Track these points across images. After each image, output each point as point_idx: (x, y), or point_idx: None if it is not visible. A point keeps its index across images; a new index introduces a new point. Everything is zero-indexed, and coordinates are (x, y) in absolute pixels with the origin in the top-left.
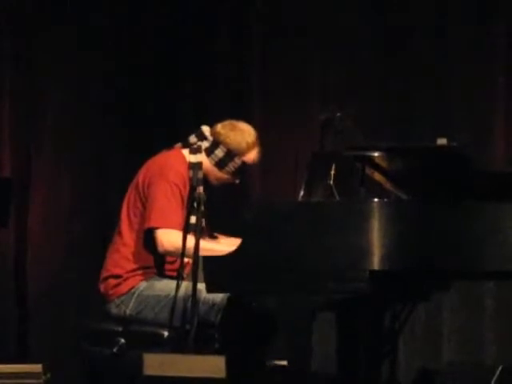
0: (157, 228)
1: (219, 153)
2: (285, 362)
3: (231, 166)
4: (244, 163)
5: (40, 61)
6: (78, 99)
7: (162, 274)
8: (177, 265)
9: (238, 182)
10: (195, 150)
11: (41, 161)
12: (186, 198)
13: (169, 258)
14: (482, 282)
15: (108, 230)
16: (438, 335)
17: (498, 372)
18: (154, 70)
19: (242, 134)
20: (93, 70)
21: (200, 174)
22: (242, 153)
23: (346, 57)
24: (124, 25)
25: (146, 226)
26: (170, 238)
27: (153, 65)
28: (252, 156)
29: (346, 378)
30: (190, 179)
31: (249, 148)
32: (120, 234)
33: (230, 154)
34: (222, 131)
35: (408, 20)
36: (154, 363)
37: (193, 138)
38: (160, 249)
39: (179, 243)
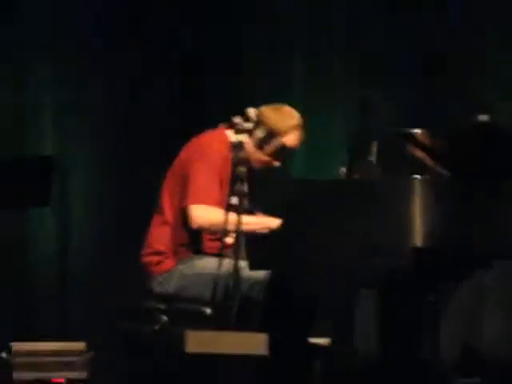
0: (189, 205)
1: (260, 133)
2: (327, 340)
3: (270, 147)
4: (284, 145)
5: None
6: None
7: (200, 252)
8: (218, 242)
9: (278, 165)
10: (238, 131)
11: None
12: (225, 178)
13: (210, 236)
14: None
15: (148, 207)
16: (480, 312)
17: None
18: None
19: (283, 115)
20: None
21: (241, 154)
22: (281, 134)
23: None
24: None
25: (185, 204)
26: (201, 213)
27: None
28: (292, 138)
29: (387, 355)
30: (232, 159)
31: (289, 129)
32: (161, 211)
33: (270, 135)
34: (265, 112)
35: None
36: (197, 340)
37: (237, 119)
38: (193, 224)
39: (212, 218)
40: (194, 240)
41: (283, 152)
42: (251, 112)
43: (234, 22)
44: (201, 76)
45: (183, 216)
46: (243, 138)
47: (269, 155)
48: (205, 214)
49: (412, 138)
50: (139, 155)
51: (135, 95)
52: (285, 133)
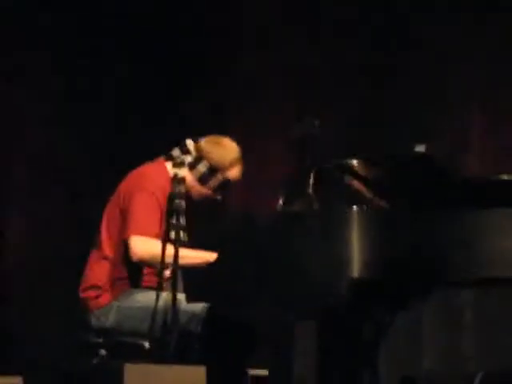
0: (129, 237)
1: (202, 168)
2: (265, 372)
3: (214, 182)
4: (227, 180)
5: None
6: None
7: (141, 286)
8: (154, 276)
9: (220, 198)
10: (178, 164)
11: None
12: (165, 211)
13: (147, 269)
14: (461, 291)
15: (87, 242)
16: (418, 344)
17: (478, 379)
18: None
19: (225, 150)
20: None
21: (182, 188)
22: (224, 169)
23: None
24: None
25: (124, 237)
26: (143, 246)
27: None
28: (235, 172)
29: None
30: (171, 192)
31: (231, 164)
32: (99, 245)
33: (213, 170)
34: (206, 146)
35: None
36: (135, 374)
37: (176, 152)
38: (133, 256)
39: (153, 250)
40: (132, 274)
41: (225, 185)
42: (190, 145)
43: None
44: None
45: (122, 250)
46: (184, 172)
47: (211, 189)
48: (145, 247)
49: (349, 169)
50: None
51: None
52: (228, 167)
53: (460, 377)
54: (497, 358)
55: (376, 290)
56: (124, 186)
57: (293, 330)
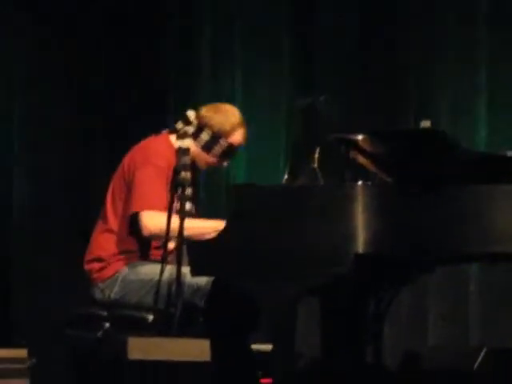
0: (139, 212)
1: (205, 136)
2: (269, 346)
3: (218, 149)
4: (231, 145)
5: None
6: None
7: (146, 258)
8: (161, 249)
9: (226, 164)
10: (182, 136)
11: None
12: (171, 183)
13: (153, 243)
14: (466, 266)
15: (93, 214)
16: (423, 319)
17: (481, 355)
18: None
19: (225, 116)
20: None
21: (187, 160)
22: (226, 134)
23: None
24: None
25: (131, 211)
26: (154, 221)
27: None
28: (238, 137)
29: (330, 362)
30: (176, 165)
31: (233, 129)
32: (104, 218)
33: (215, 137)
34: (206, 114)
35: None
36: (139, 347)
37: (179, 124)
38: (145, 232)
39: (164, 225)
40: (139, 247)
41: (230, 151)
42: (191, 115)
43: None
44: None
45: (128, 222)
46: (188, 143)
47: (217, 157)
48: (156, 221)
49: (354, 144)
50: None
51: None
52: (230, 133)
53: (464, 352)
54: (502, 333)
55: (380, 265)
56: (128, 158)
57: (296, 305)
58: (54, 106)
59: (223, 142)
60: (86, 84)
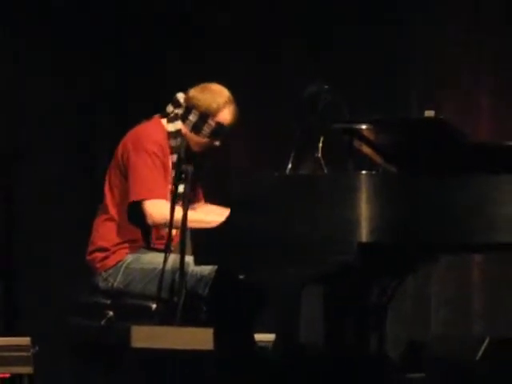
0: (143, 200)
1: (192, 117)
2: (272, 335)
3: (206, 129)
4: (220, 124)
5: None
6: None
7: (148, 247)
8: (164, 238)
9: (218, 144)
10: (172, 119)
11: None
12: (166, 167)
13: (155, 231)
14: (470, 255)
15: (95, 203)
16: (426, 307)
17: (485, 344)
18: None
19: (211, 94)
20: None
21: (180, 141)
22: (214, 113)
23: None
24: None
25: (130, 199)
26: (159, 210)
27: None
28: (226, 116)
29: (333, 350)
30: (171, 148)
31: (220, 108)
32: (105, 207)
33: (204, 117)
34: (193, 94)
35: None
36: (142, 335)
37: (169, 107)
38: (149, 221)
39: (168, 213)
40: (141, 236)
41: (221, 130)
42: (180, 97)
43: None
44: None
45: (128, 211)
46: (178, 125)
47: (207, 137)
48: (161, 210)
49: (358, 134)
50: None
51: None
52: (218, 111)
53: (468, 340)
54: (505, 321)
55: (384, 254)
56: (122, 146)
57: (300, 294)
58: (54, 105)
59: (211, 122)
60: (86, 84)
